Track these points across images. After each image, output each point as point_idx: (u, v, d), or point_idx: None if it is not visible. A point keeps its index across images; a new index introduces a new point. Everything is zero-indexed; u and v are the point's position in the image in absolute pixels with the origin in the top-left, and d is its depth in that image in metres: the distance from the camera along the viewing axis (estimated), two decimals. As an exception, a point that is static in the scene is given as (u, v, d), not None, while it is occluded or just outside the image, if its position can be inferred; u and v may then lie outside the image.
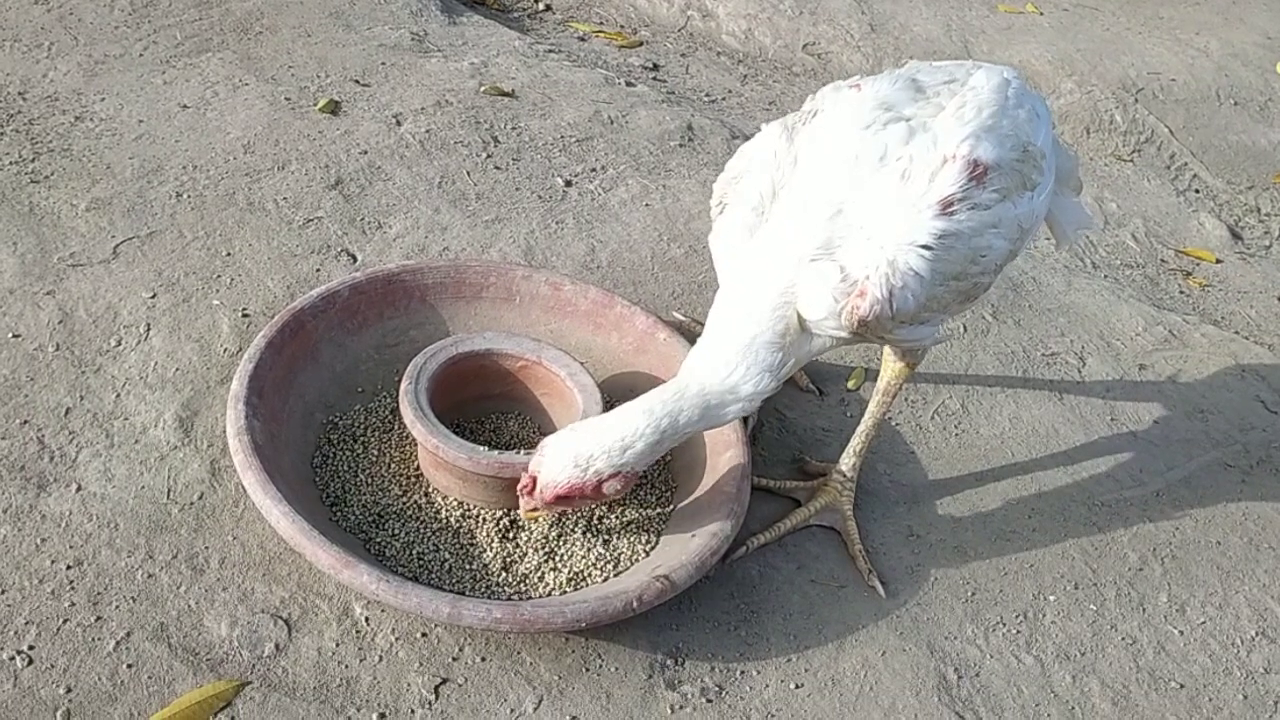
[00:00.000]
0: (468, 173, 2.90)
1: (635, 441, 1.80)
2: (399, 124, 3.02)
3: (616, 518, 2.05)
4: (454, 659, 1.83)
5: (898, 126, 1.83)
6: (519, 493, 1.87)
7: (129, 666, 1.74)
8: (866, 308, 1.76)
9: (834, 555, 2.14)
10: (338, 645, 1.82)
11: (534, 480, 1.83)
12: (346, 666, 1.79)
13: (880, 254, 1.76)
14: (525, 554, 1.96)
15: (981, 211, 1.80)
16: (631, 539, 2.02)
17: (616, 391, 2.23)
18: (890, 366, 2.12)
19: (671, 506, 2.09)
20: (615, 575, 1.96)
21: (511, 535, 1.98)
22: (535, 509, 1.87)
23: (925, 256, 1.75)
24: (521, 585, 1.92)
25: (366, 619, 1.86)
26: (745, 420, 2.26)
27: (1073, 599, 2.15)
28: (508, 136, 3.07)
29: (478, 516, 2.00)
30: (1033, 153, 1.89)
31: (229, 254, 2.48)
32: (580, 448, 1.80)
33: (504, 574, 1.92)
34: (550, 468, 1.81)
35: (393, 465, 2.07)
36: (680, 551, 1.92)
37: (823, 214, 1.80)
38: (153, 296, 2.34)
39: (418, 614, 1.77)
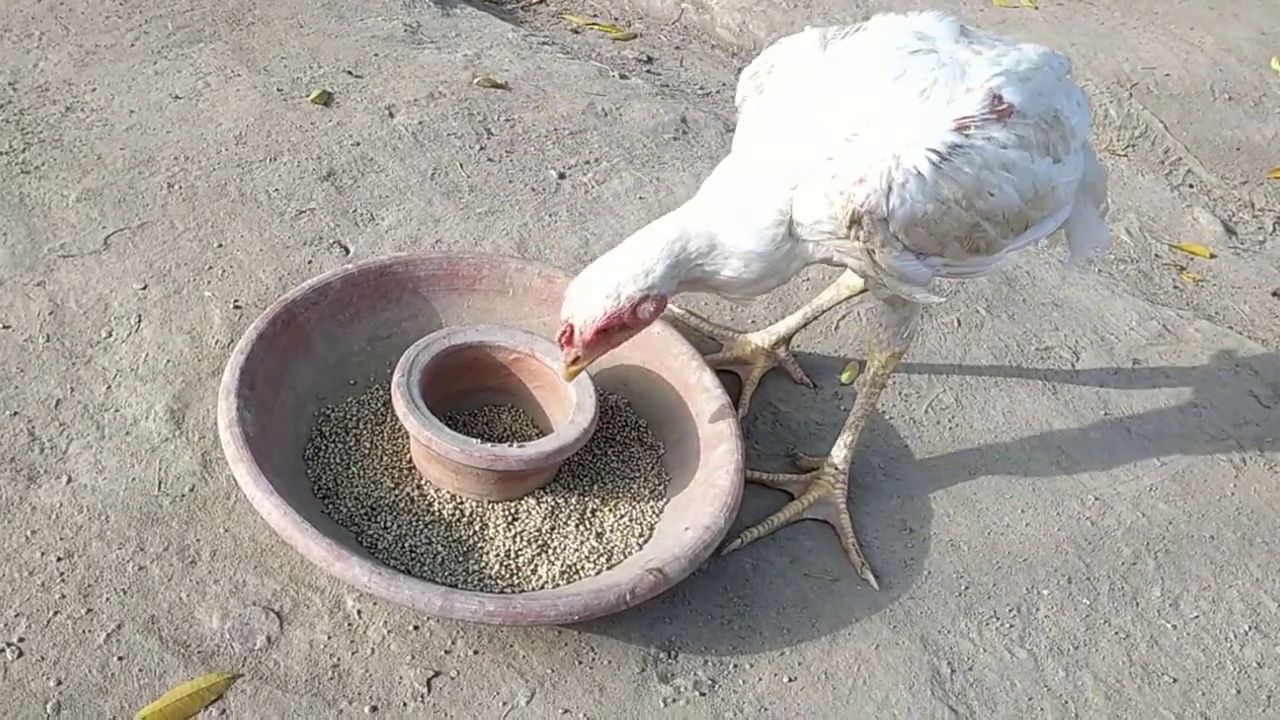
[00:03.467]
0: (461, 165, 2.88)
1: (656, 266, 1.82)
2: (392, 115, 3.00)
3: (610, 510, 2.04)
4: (446, 652, 1.83)
5: (927, 56, 1.81)
6: (559, 343, 1.90)
7: (120, 659, 1.73)
8: (863, 196, 1.71)
9: (827, 549, 2.13)
10: (329, 638, 1.81)
11: (570, 326, 1.86)
12: (338, 659, 1.79)
13: (887, 149, 1.72)
14: (518, 547, 1.95)
15: (998, 148, 1.76)
16: (624, 532, 2.01)
17: (610, 384, 2.23)
18: (877, 356, 2.11)
19: (665, 500, 2.08)
20: (608, 568, 1.95)
21: (504, 528, 1.98)
22: (577, 358, 1.90)
23: (931, 160, 1.71)
24: (514, 578, 1.91)
25: (358, 612, 1.85)
26: (738, 411, 2.25)
27: (1066, 593, 2.14)
28: (501, 129, 3.06)
29: (471, 509, 1.99)
30: (1064, 123, 1.87)
31: (220, 245, 2.47)
32: (606, 279, 1.83)
33: (497, 567, 1.92)
34: (584, 306, 1.84)
35: (385, 458, 2.06)
36: (674, 545, 1.92)
37: (833, 124, 1.78)
38: (144, 288, 2.33)
39: (410, 607, 1.76)
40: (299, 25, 3.34)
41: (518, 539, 1.96)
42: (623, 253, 1.85)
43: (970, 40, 1.88)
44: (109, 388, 2.12)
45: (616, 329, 1.86)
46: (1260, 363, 2.83)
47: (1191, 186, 3.85)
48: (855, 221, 1.74)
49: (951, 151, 1.73)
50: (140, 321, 2.26)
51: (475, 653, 1.83)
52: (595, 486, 2.08)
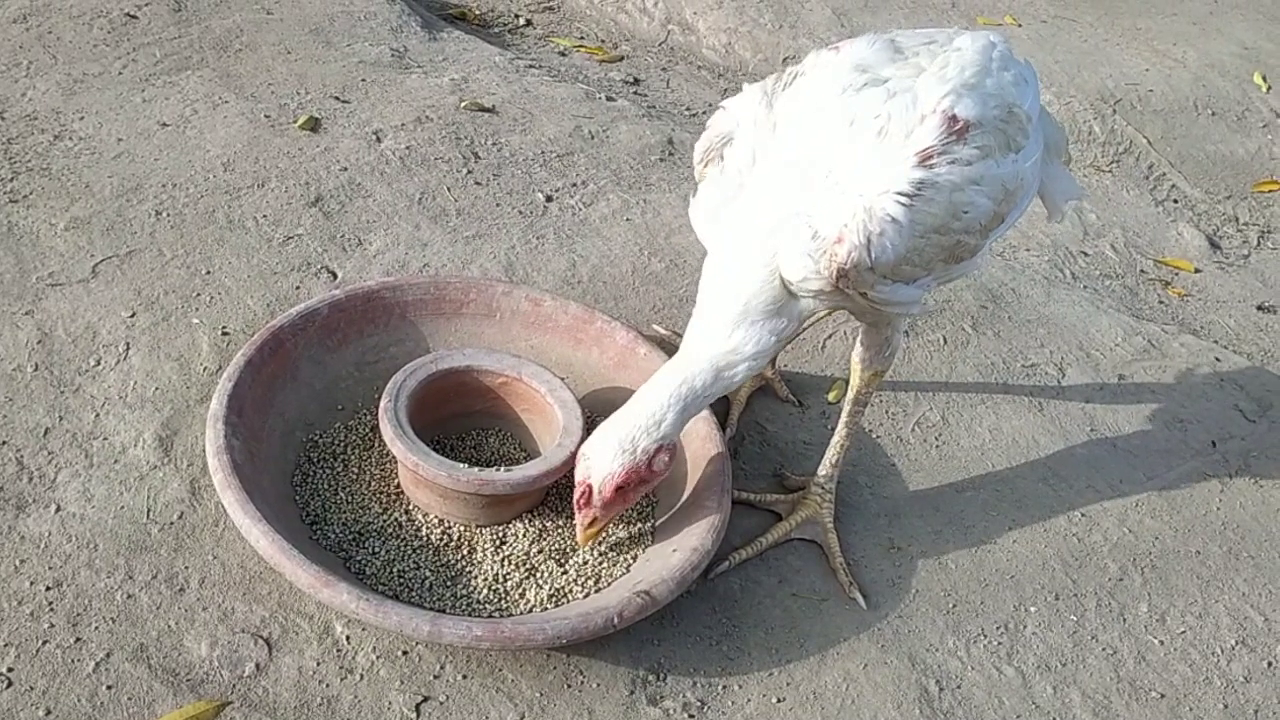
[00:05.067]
0: (448, 189, 2.90)
1: (665, 414, 1.86)
2: (379, 140, 3.02)
3: (597, 533, 2.05)
4: (435, 677, 1.83)
5: (875, 89, 1.81)
6: (576, 507, 1.90)
7: (109, 688, 1.73)
8: (844, 254, 1.73)
9: (815, 568, 2.14)
10: (318, 664, 1.82)
11: (588, 486, 1.87)
12: (327, 686, 1.79)
13: (858, 201, 1.74)
14: (506, 571, 1.95)
15: (963, 166, 1.78)
16: (612, 555, 2.02)
17: (597, 407, 2.23)
18: (859, 375, 2.12)
19: (652, 522, 2.09)
20: (596, 591, 1.96)
21: (492, 552, 1.98)
22: (595, 519, 1.90)
23: (902, 203, 1.73)
24: (502, 602, 1.91)
25: (347, 638, 1.85)
26: (725, 432, 2.26)
27: (1053, 610, 2.15)
28: (488, 152, 3.07)
29: (459, 534, 2.00)
30: (1018, 115, 1.88)
31: (209, 272, 2.48)
32: (620, 435, 1.86)
33: (485, 591, 1.92)
34: (600, 463, 1.86)
35: (373, 483, 2.07)
36: (661, 567, 1.92)
37: (800, 178, 1.79)
38: (132, 315, 2.34)
39: (398, 632, 1.76)
40: (286, 52, 3.36)
41: (506, 563, 1.97)
42: (632, 408, 1.89)
43: (906, 55, 1.88)
44: (97, 416, 2.13)
45: (634, 484, 1.88)
46: (1245, 377, 2.85)
47: (1176, 201, 3.88)
48: (842, 275, 1.76)
49: (920, 188, 1.74)
50: (128, 349, 2.27)
51: (464, 677, 1.84)
52: (583, 509, 2.09)
